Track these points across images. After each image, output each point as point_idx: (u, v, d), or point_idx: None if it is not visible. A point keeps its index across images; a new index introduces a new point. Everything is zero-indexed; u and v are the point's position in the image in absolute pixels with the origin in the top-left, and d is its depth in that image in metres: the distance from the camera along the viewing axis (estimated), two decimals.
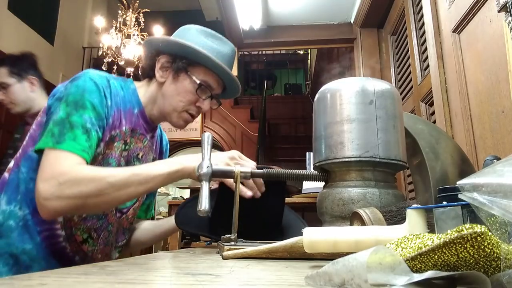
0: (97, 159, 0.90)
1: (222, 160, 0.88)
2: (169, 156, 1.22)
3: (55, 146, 0.81)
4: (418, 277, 0.25)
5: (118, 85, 0.98)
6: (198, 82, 0.99)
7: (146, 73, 1.08)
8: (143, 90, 1.05)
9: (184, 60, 0.99)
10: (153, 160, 1.11)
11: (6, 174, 0.93)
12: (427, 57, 1.85)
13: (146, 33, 5.18)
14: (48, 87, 6.18)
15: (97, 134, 0.87)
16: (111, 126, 0.92)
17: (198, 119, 5.59)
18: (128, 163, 0.99)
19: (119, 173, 0.83)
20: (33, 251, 0.87)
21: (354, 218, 0.58)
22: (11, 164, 0.94)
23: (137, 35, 5.10)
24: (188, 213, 0.95)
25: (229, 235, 0.70)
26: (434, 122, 1.75)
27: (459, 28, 1.47)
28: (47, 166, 0.80)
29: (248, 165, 0.87)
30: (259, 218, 0.86)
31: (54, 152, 0.81)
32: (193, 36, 1.01)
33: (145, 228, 1.15)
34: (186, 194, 7.13)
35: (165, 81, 1.01)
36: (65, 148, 0.80)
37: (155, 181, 0.84)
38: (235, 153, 0.92)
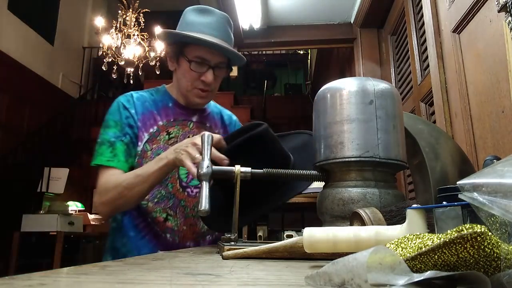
0: (146, 156, 1.10)
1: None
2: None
3: (91, 163, 1.09)
4: (418, 277, 0.25)
5: (146, 94, 1.19)
6: (188, 59, 1.10)
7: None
8: (173, 86, 1.21)
9: (178, 45, 1.12)
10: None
11: None
12: (427, 57, 1.85)
13: (146, 33, 5.18)
14: (48, 87, 6.15)
15: (123, 142, 1.08)
16: (146, 127, 1.12)
17: None
18: None
19: (129, 177, 1.01)
20: (127, 243, 1.09)
21: (354, 218, 0.58)
22: None
23: (137, 35, 5.10)
24: None
25: (229, 234, 0.70)
26: (434, 122, 1.75)
27: (459, 28, 1.47)
28: (96, 183, 1.07)
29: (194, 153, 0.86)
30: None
31: (96, 170, 1.07)
32: (186, 18, 1.13)
33: None
34: None
35: (175, 69, 1.17)
36: (96, 162, 1.07)
37: (153, 177, 0.98)
38: (191, 148, 0.89)
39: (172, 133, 1.14)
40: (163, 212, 1.10)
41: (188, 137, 1.13)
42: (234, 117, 1.34)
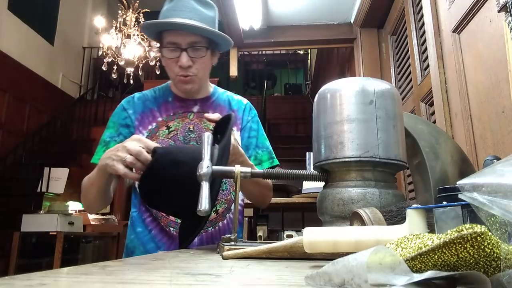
0: None
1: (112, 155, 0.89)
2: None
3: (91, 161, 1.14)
4: (418, 277, 0.25)
5: (149, 92, 1.21)
6: (162, 47, 1.10)
7: None
8: None
9: (157, 39, 1.12)
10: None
11: None
12: (427, 57, 1.85)
13: None
14: (48, 87, 6.16)
15: (116, 141, 1.11)
16: (144, 125, 1.15)
17: None
18: (184, 138, 1.15)
19: (85, 179, 1.07)
20: (134, 239, 1.13)
21: (354, 218, 0.58)
22: None
23: (137, 35, 5.10)
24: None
25: (229, 235, 0.70)
26: (434, 122, 1.75)
27: (459, 28, 1.47)
28: None
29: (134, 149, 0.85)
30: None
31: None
32: (162, 10, 1.12)
33: None
34: None
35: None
36: (91, 161, 1.12)
37: (96, 181, 1.01)
38: (130, 144, 0.87)
39: (171, 127, 1.15)
40: None
41: (189, 128, 1.16)
42: (245, 102, 1.28)
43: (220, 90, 1.28)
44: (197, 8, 1.08)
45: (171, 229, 1.11)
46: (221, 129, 0.91)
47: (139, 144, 0.87)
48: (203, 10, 1.09)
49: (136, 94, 1.20)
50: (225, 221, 1.17)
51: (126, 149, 0.86)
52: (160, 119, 1.16)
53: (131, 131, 1.14)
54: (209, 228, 1.14)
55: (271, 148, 1.26)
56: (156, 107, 1.17)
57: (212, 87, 1.26)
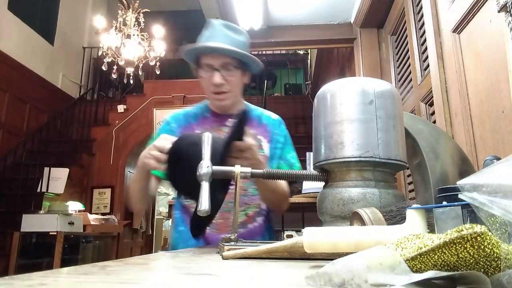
0: None
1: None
2: None
3: None
4: (418, 277, 0.25)
5: (191, 109, 1.38)
6: (195, 67, 1.27)
7: None
8: None
9: (193, 60, 1.28)
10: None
11: None
12: (427, 57, 1.85)
13: (146, 33, 5.18)
14: (48, 87, 6.12)
15: None
16: None
17: None
18: None
19: (130, 180, 1.16)
20: (178, 237, 1.29)
21: (354, 218, 0.58)
22: None
23: (137, 35, 5.10)
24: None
25: (229, 235, 0.70)
26: (434, 122, 1.75)
27: (459, 28, 1.47)
28: None
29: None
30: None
31: None
32: (199, 38, 1.28)
33: None
34: None
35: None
36: None
37: (136, 179, 1.13)
38: (157, 142, 0.96)
39: None
40: None
41: None
42: (274, 117, 1.42)
43: (252, 106, 1.44)
44: (228, 34, 1.24)
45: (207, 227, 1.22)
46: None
47: (166, 141, 0.96)
48: (234, 36, 1.25)
49: (182, 111, 1.39)
50: (256, 224, 1.28)
51: (154, 146, 0.96)
52: (198, 131, 1.28)
53: None
54: (240, 229, 1.21)
55: (293, 161, 1.38)
56: (196, 122, 1.34)
57: (245, 105, 1.41)
